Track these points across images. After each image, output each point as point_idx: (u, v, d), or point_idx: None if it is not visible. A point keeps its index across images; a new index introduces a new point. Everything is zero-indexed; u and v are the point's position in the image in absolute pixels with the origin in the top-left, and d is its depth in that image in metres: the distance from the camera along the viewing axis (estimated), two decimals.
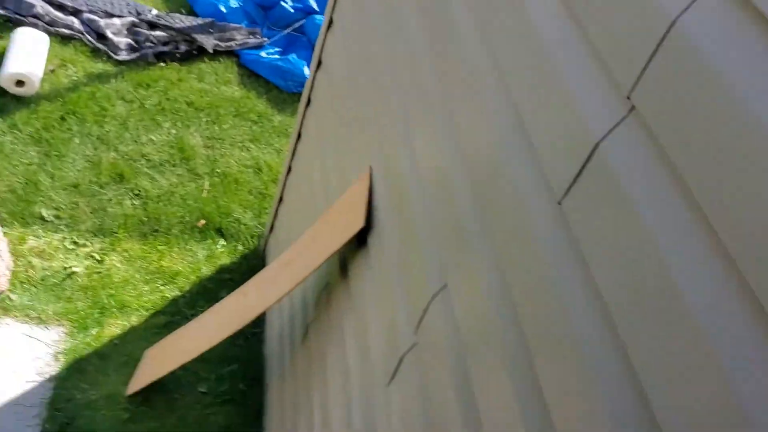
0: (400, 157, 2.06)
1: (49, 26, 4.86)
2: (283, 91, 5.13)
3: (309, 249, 2.54)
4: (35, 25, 4.79)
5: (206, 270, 3.84)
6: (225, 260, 3.93)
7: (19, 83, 4.34)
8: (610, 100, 1.08)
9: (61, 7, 5.03)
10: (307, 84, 3.44)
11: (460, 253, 1.55)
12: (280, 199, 3.84)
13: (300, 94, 4.90)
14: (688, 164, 0.95)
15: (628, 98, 1.06)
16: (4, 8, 4.83)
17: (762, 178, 0.84)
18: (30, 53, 4.47)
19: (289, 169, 3.74)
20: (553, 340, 1.18)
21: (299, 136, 3.60)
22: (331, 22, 3.14)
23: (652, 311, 0.98)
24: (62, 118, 4.36)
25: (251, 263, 3.93)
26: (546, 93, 1.26)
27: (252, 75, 5.21)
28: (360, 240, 2.30)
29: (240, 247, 4.03)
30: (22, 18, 4.81)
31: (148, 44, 5.04)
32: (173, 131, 4.58)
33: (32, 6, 4.85)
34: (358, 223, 2.21)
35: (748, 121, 0.87)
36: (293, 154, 3.68)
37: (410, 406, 1.64)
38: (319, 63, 3.28)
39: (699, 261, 0.92)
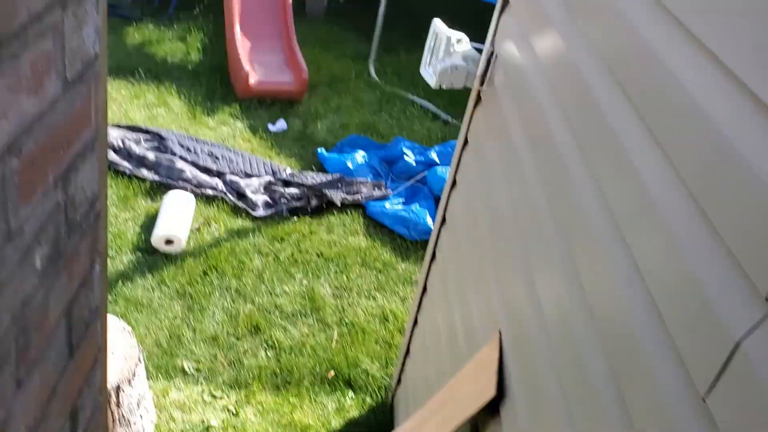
0: (526, 319, 2.05)
1: (196, 188, 5.35)
2: (407, 240, 5.28)
3: (438, 416, 2.52)
4: (184, 188, 5.29)
5: (336, 423, 3.86)
6: (354, 413, 3.94)
7: (168, 242, 4.76)
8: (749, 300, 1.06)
9: (207, 171, 5.55)
10: (432, 239, 3.54)
11: (597, 427, 1.50)
12: (407, 352, 3.86)
13: (423, 242, 5.04)
14: None
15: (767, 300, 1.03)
16: (158, 174, 5.39)
17: None
18: (178, 214, 4.93)
19: (415, 322, 3.78)
20: None
21: (425, 289, 3.66)
22: (454, 183, 3.27)
23: None
24: (204, 273, 4.70)
25: (379, 417, 3.91)
26: (681, 286, 1.24)
27: (377, 225, 5.43)
28: (492, 408, 2.26)
29: (368, 400, 4.04)
30: (173, 182, 5.34)
31: (283, 200, 5.41)
32: (305, 282, 4.79)
33: (182, 171, 5.39)
34: (489, 392, 2.18)
35: None
36: (419, 307, 3.73)
37: None
38: (443, 220, 3.38)
39: None
